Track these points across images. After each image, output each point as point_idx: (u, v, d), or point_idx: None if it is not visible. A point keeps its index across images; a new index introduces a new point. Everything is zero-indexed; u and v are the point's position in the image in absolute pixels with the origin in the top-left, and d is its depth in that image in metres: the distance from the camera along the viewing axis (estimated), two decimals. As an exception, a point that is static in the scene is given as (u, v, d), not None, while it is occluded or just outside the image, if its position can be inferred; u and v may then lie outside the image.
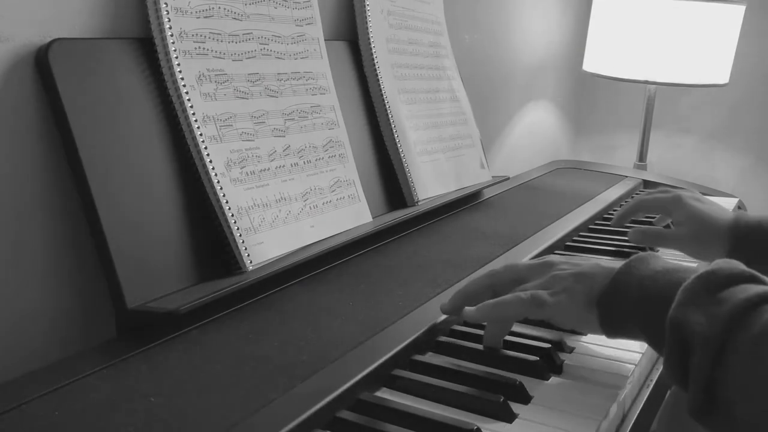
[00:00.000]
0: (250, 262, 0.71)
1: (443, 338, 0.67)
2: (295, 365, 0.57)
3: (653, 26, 1.53)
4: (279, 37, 0.81)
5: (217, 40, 0.73)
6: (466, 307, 0.66)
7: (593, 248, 0.97)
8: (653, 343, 0.59)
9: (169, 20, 0.69)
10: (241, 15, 0.76)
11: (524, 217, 1.07)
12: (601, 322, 0.62)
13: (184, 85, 0.69)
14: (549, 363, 0.63)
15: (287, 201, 0.77)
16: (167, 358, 0.58)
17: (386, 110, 0.98)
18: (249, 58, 0.77)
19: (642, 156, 1.76)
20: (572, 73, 1.94)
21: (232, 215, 0.70)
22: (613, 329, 0.62)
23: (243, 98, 0.75)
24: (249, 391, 0.53)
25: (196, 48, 0.71)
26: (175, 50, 0.69)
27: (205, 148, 0.70)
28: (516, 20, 1.59)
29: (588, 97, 2.06)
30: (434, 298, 0.72)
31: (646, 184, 1.43)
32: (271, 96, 0.79)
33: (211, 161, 0.70)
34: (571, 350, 0.67)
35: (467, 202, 1.13)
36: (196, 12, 0.71)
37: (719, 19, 1.53)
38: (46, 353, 0.65)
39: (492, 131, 1.57)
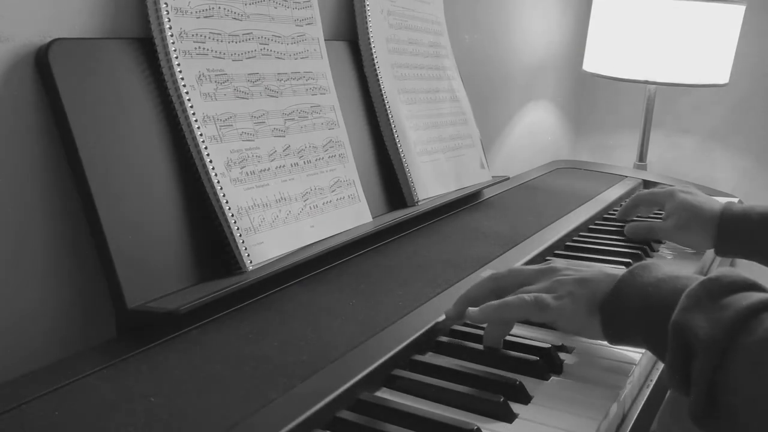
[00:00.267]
0: (250, 262, 0.71)
1: (443, 338, 0.67)
2: (295, 365, 0.57)
3: (653, 26, 1.53)
4: (279, 37, 0.81)
5: (217, 40, 0.73)
6: (469, 308, 0.66)
7: (593, 248, 0.97)
8: (655, 349, 0.59)
9: (169, 20, 0.69)
10: (241, 15, 0.76)
11: (524, 217, 1.07)
12: (603, 328, 0.62)
13: (184, 85, 0.69)
14: (549, 363, 0.63)
15: (287, 201, 0.77)
16: (167, 358, 0.58)
17: (386, 110, 0.98)
18: (249, 58, 0.77)
19: (642, 156, 1.76)
20: (572, 73, 1.94)
21: (232, 215, 0.70)
22: (615, 335, 0.62)
23: (243, 98, 0.75)
24: (249, 391, 0.53)
25: (196, 48, 0.71)
26: (175, 50, 0.69)
27: (205, 148, 0.70)
28: (516, 20, 1.59)
29: (588, 97, 2.06)
30: (434, 298, 0.72)
31: (646, 184, 1.43)
32: (271, 96, 0.79)
33: (211, 161, 0.70)
34: (571, 350, 0.67)
35: (467, 202, 1.13)
36: (196, 12, 0.71)
37: (719, 19, 1.53)
38: (46, 353, 0.65)
39: (492, 131, 1.57)
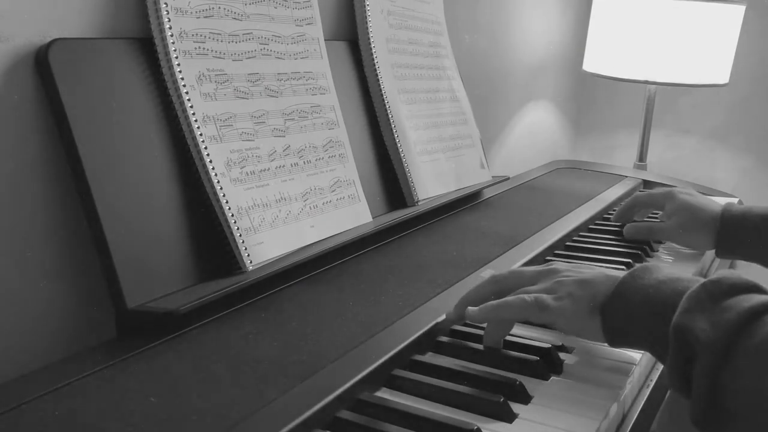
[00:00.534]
0: (250, 262, 0.71)
1: (443, 338, 0.67)
2: (295, 365, 0.57)
3: (653, 26, 1.53)
4: (279, 37, 0.81)
5: (217, 40, 0.73)
6: (469, 307, 0.66)
7: (593, 248, 0.97)
8: (656, 351, 0.59)
9: (169, 20, 0.69)
10: (241, 15, 0.76)
11: (524, 217, 1.07)
12: (604, 330, 0.62)
13: (184, 85, 0.69)
14: (549, 363, 0.63)
15: (287, 201, 0.77)
16: (167, 358, 0.58)
17: (386, 110, 0.98)
18: (249, 58, 0.77)
19: (642, 156, 1.76)
20: (572, 73, 1.94)
21: (232, 215, 0.70)
22: (615, 337, 0.62)
23: (243, 98, 0.75)
24: (249, 391, 0.53)
25: (196, 48, 0.71)
26: (175, 50, 0.69)
27: (205, 148, 0.70)
28: (516, 20, 1.59)
29: (588, 97, 2.06)
30: (434, 298, 0.72)
31: (646, 184, 1.43)
32: (271, 96, 0.79)
33: (211, 161, 0.70)
34: (571, 350, 0.67)
35: (467, 202, 1.13)
36: (196, 12, 0.71)
37: (719, 19, 1.53)
38: (46, 353, 0.65)
39: (492, 131, 1.57)
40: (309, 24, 0.86)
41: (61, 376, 0.54)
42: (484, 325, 0.66)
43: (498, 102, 1.58)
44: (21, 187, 0.63)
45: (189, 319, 0.63)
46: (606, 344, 0.64)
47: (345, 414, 0.53)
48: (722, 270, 0.58)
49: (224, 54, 0.74)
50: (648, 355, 0.67)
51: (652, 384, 0.66)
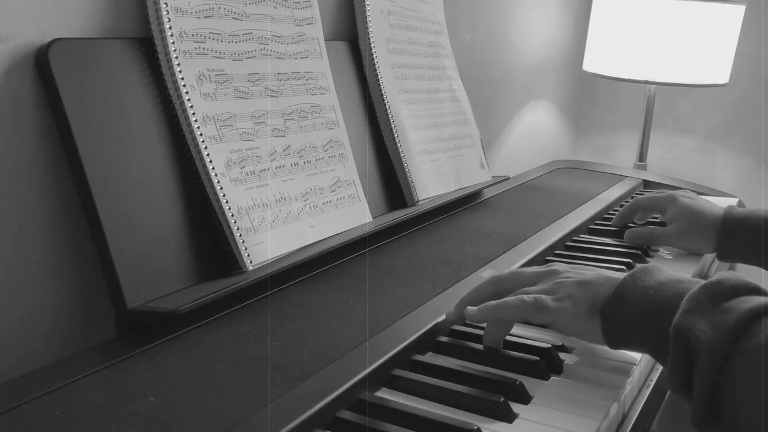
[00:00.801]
0: (250, 262, 0.71)
1: (443, 338, 0.67)
2: (295, 365, 0.57)
3: (653, 26, 1.53)
4: (279, 37, 0.81)
5: (217, 40, 0.73)
6: (469, 308, 0.66)
7: (593, 248, 0.97)
8: (656, 353, 0.59)
9: (169, 20, 0.69)
10: (241, 15, 0.76)
11: (524, 217, 1.07)
12: (604, 332, 0.62)
13: (184, 85, 0.69)
14: (549, 363, 0.63)
15: (287, 201, 0.77)
16: (167, 358, 0.58)
17: (386, 110, 0.98)
18: (249, 58, 0.77)
19: (642, 156, 1.76)
20: (572, 73, 1.94)
21: (232, 215, 0.70)
22: (615, 339, 0.62)
23: (243, 98, 0.75)
24: (249, 391, 0.53)
25: (196, 48, 0.71)
26: (175, 50, 0.69)
27: (205, 148, 0.70)
28: (516, 20, 1.59)
29: (588, 97, 2.06)
30: (434, 298, 0.72)
31: (646, 184, 1.44)
32: (271, 96, 0.79)
33: (211, 161, 0.70)
34: (571, 350, 0.67)
35: (467, 202, 1.12)
36: (196, 12, 0.71)
37: (719, 19, 1.53)
38: (46, 353, 0.65)
39: (492, 131, 1.57)
40: (309, 24, 0.86)
41: (62, 376, 0.54)
42: (484, 325, 0.66)
43: (498, 102, 1.58)
44: (21, 187, 0.63)
45: (189, 319, 0.63)
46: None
47: (345, 414, 0.53)
48: (723, 271, 0.58)
49: (224, 54, 0.74)
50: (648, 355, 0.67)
51: (652, 384, 0.66)
